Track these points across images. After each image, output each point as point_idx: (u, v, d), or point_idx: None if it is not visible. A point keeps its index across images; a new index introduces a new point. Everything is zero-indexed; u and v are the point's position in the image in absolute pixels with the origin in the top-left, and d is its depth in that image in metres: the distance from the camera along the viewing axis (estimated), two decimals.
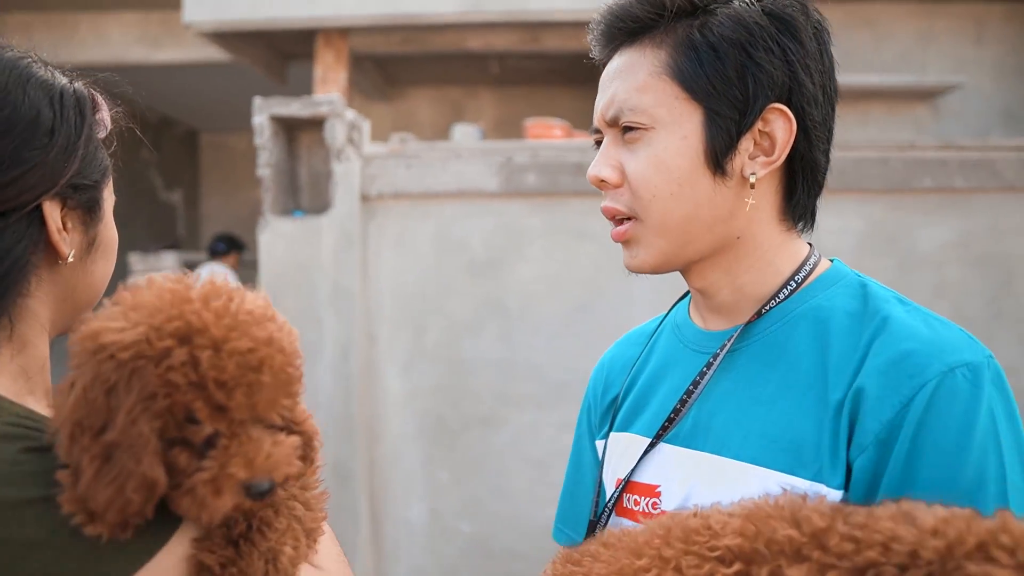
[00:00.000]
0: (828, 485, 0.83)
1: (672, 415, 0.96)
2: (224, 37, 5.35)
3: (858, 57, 5.85)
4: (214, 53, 5.79)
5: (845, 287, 0.93)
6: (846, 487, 0.83)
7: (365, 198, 3.45)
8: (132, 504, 0.67)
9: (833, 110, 0.96)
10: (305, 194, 3.71)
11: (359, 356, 3.42)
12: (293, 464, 0.73)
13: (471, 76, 6.91)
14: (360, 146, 3.47)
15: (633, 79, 0.92)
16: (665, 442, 0.96)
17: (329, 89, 5.51)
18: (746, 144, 0.91)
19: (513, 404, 3.47)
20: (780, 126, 0.90)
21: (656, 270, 0.95)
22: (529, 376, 3.45)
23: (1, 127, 0.77)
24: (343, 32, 5.42)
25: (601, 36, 0.98)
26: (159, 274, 0.74)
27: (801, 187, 0.95)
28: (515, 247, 3.48)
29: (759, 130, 0.91)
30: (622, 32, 0.95)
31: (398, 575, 3.51)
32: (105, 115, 0.90)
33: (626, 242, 0.96)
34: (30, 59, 0.83)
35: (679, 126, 0.90)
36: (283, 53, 6.16)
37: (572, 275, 3.44)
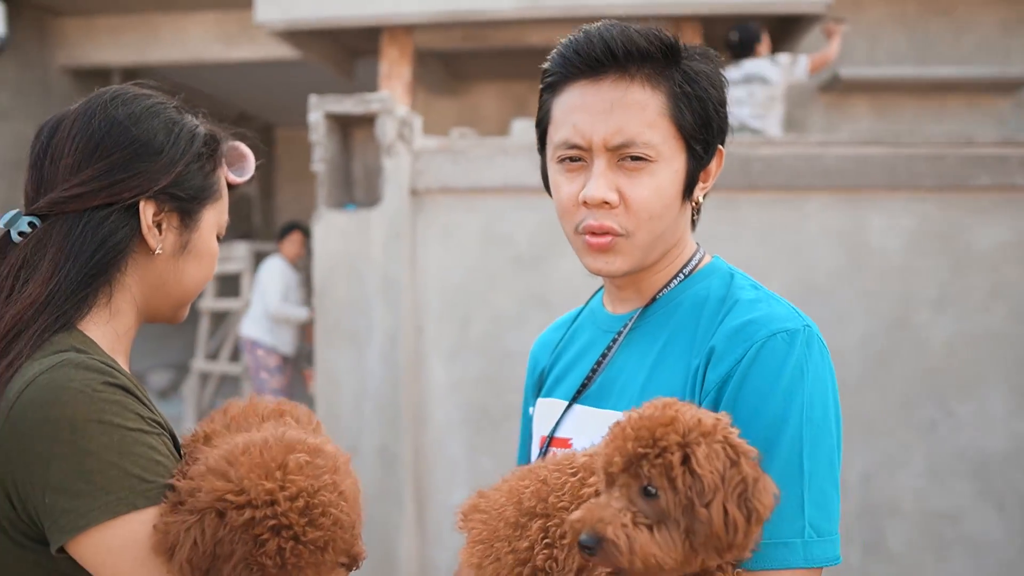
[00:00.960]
0: None
1: (585, 381, 1.21)
2: (294, 35, 5.56)
3: (935, 48, 5.62)
4: (286, 51, 6.02)
5: (719, 277, 1.17)
6: None
7: (414, 192, 3.56)
8: None
9: None
10: (359, 188, 3.85)
11: (406, 345, 3.54)
12: None
13: (534, 71, 6.95)
14: (410, 142, 3.57)
15: (643, 116, 1.09)
16: (579, 403, 1.20)
17: (394, 84, 5.66)
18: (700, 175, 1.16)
19: None
20: (715, 161, 1.17)
21: (624, 275, 1.16)
22: None
23: (124, 142, 1.06)
24: (407, 29, 5.55)
25: (591, 57, 1.10)
26: (273, 434, 0.97)
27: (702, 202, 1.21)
28: (559, 242, 3.50)
29: None
30: (614, 59, 1.09)
31: (441, 558, 3.62)
32: (246, 164, 1.21)
33: (604, 252, 1.14)
34: (166, 104, 1.12)
35: (674, 160, 1.11)
36: (350, 50, 6.35)
37: None
